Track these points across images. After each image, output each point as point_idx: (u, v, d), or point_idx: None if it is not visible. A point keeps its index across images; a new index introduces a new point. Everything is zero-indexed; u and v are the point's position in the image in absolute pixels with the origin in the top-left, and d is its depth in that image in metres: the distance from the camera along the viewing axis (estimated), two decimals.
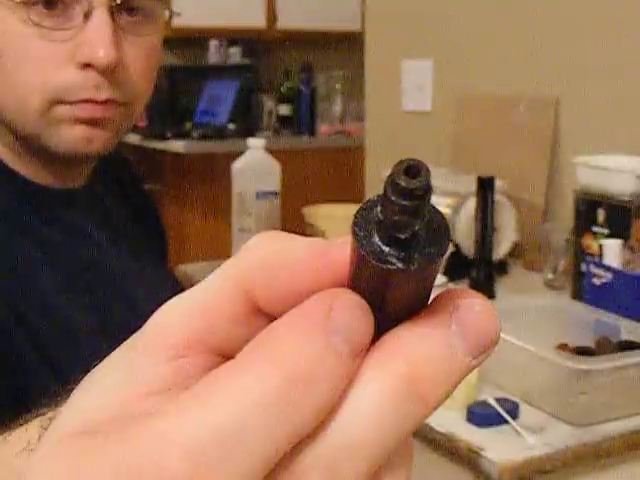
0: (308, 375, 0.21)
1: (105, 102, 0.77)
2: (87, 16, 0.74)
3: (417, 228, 0.21)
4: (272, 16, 4.23)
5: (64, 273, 0.79)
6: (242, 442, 0.20)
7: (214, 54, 4.45)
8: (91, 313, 0.79)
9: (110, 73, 0.76)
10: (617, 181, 1.59)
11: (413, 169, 0.21)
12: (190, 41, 4.28)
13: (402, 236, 0.21)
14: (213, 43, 4.44)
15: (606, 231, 1.61)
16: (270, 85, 4.41)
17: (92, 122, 0.77)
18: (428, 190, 0.21)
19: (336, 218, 1.95)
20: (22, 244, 0.77)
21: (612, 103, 1.91)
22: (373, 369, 0.22)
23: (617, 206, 1.59)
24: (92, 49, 0.74)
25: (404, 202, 0.21)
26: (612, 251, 1.54)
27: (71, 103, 0.76)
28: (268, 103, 4.17)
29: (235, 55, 4.48)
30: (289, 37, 4.27)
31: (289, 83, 4.15)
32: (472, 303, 0.23)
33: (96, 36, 0.74)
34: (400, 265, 0.21)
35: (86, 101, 0.76)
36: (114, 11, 0.75)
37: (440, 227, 0.22)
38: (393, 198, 0.21)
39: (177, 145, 3.67)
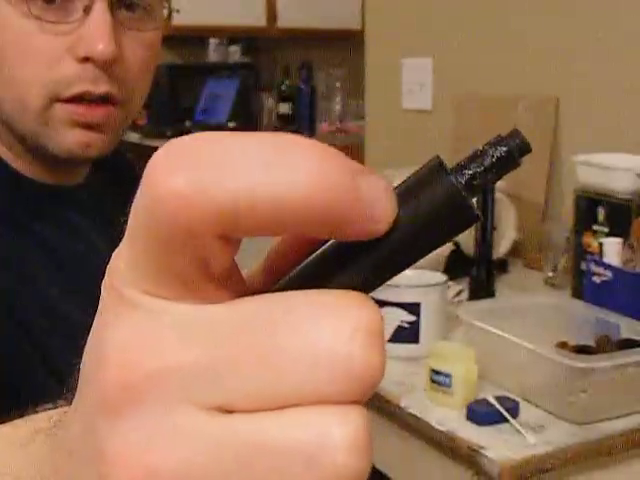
0: None
1: (102, 98, 0.77)
2: (87, 10, 0.75)
3: None
4: (272, 14, 4.22)
5: (62, 271, 0.79)
6: None
7: (214, 52, 4.45)
8: (89, 312, 0.78)
9: (108, 67, 0.76)
10: (617, 179, 1.59)
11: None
12: (190, 39, 4.27)
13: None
14: (213, 41, 4.43)
15: (606, 229, 1.61)
16: (270, 83, 4.41)
17: (90, 126, 0.77)
18: None
19: None
20: (19, 242, 0.77)
21: (612, 101, 1.91)
22: None
23: (617, 204, 1.59)
24: (91, 43, 0.74)
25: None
26: (612, 249, 1.54)
27: (68, 100, 0.76)
28: (268, 102, 4.17)
29: (235, 53, 4.48)
30: (289, 35, 4.27)
31: (289, 81, 4.14)
32: None
33: (96, 30, 0.74)
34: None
35: (83, 95, 0.76)
36: (114, 6, 0.76)
37: None
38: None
39: None
